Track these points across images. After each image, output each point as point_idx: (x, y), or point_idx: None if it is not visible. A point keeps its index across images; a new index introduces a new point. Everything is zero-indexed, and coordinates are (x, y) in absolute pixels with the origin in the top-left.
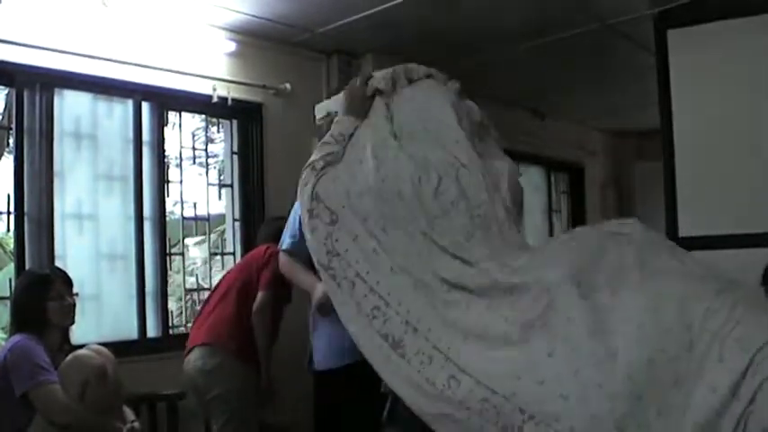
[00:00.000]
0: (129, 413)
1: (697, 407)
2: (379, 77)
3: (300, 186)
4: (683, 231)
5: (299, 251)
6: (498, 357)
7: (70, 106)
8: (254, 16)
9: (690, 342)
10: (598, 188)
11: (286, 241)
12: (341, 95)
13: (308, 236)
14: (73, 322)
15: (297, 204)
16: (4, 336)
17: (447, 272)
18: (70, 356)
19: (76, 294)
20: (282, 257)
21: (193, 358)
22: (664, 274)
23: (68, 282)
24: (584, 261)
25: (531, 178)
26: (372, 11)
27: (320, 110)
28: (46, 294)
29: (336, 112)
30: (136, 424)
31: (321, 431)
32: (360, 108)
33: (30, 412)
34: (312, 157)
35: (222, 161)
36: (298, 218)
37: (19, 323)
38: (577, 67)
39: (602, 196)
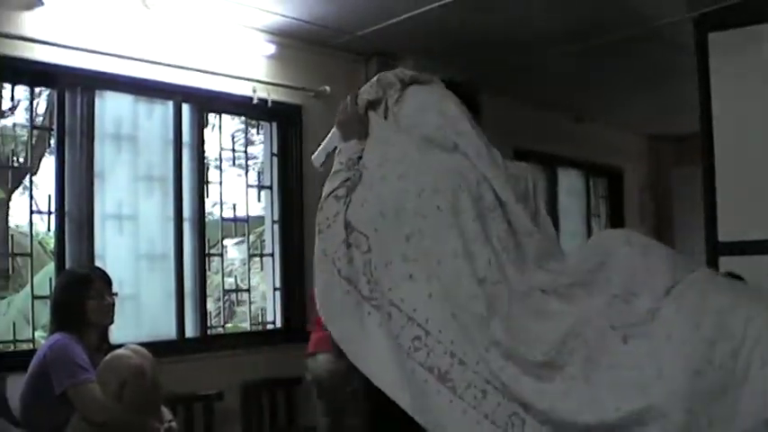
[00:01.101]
0: (166, 413)
1: (745, 413)
2: (366, 90)
3: (325, 221)
4: (723, 236)
5: None
6: (557, 390)
7: (111, 108)
8: (293, 18)
9: (733, 350)
10: (637, 192)
11: None
12: (333, 130)
13: (344, 270)
14: (112, 321)
15: None
16: (44, 334)
17: (538, 281)
18: (109, 356)
19: (116, 294)
20: None
21: (324, 360)
22: (700, 289)
23: (108, 281)
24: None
25: (570, 182)
26: (411, 13)
27: (318, 158)
28: (86, 293)
29: (336, 147)
30: (173, 423)
31: None
32: (358, 128)
33: (68, 411)
34: (326, 189)
35: (261, 163)
36: None
37: (59, 322)
38: (617, 71)
39: (640, 201)
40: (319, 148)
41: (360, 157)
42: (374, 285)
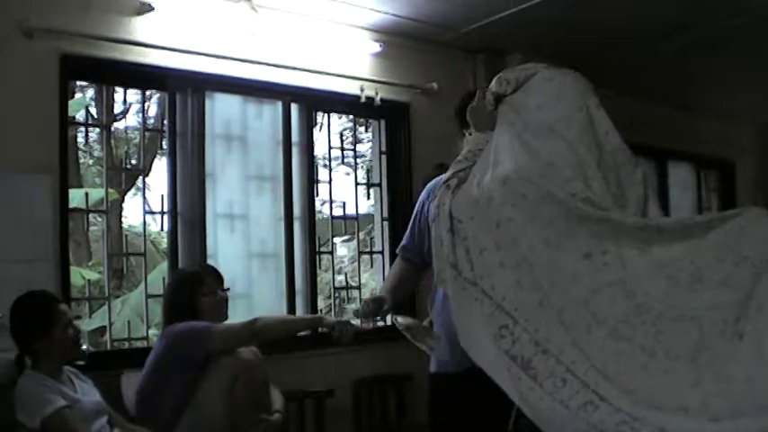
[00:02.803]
0: (277, 400)
1: None
2: (495, 83)
3: (435, 210)
4: None
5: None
6: (639, 386)
7: (221, 109)
8: (399, 16)
9: None
10: (749, 185)
11: (401, 243)
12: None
13: (450, 257)
14: (226, 317)
15: (416, 207)
16: (158, 332)
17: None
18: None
19: (228, 289)
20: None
21: None
22: None
23: (219, 277)
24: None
25: (681, 176)
26: (517, 9)
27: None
28: (198, 290)
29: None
30: (277, 415)
31: None
32: (487, 121)
33: (181, 406)
34: (445, 176)
35: (370, 161)
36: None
37: (172, 319)
38: (726, 61)
39: (753, 194)
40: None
41: (481, 150)
42: (474, 272)
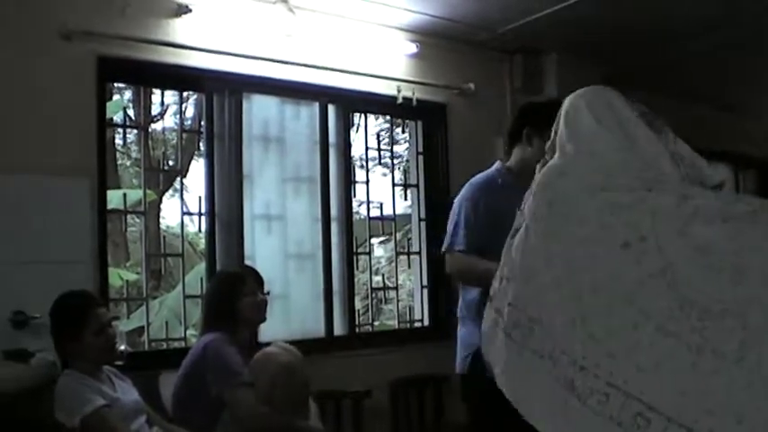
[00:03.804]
0: (313, 409)
1: None
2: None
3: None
4: None
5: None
6: (689, 388)
7: (258, 110)
8: (436, 17)
9: None
10: None
11: (459, 241)
12: None
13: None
14: (264, 319)
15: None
16: (195, 333)
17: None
18: (259, 353)
19: (268, 293)
20: (458, 258)
21: None
22: None
23: (260, 280)
24: None
25: None
26: (554, 8)
27: None
28: (239, 291)
29: None
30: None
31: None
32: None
33: (219, 410)
34: None
35: (407, 161)
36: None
37: (212, 320)
38: (762, 60)
39: None
40: None
41: None
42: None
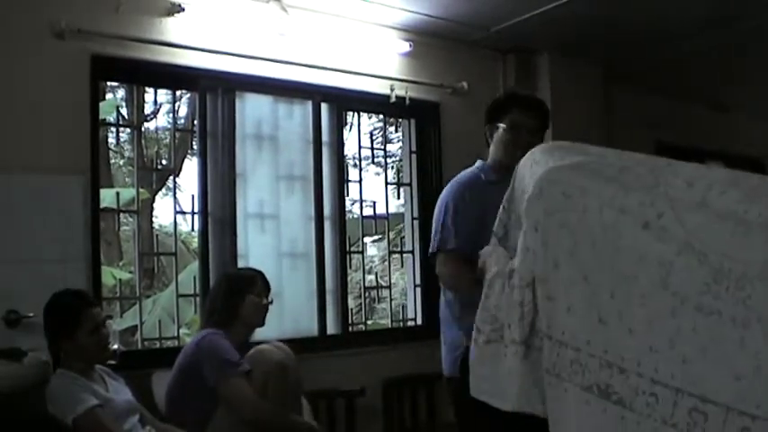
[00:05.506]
0: (307, 410)
1: None
2: None
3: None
4: None
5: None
6: (742, 369)
7: (251, 109)
8: (429, 16)
9: None
10: None
11: (449, 241)
12: None
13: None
14: (263, 324)
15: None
16: (188, 332)
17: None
18: (253, 350)
19: (271, 302)
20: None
21: None
22: None
23: (268, 285)
24: None
25: None
26: (547, 7)
27: None
28: (247, 290)
29: None
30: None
31: None
32: None
33: (212, 406)
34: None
35: (400, 160)
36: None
37: (214, 316)
38: (757, 60)
39: None
40: None
41: None
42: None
